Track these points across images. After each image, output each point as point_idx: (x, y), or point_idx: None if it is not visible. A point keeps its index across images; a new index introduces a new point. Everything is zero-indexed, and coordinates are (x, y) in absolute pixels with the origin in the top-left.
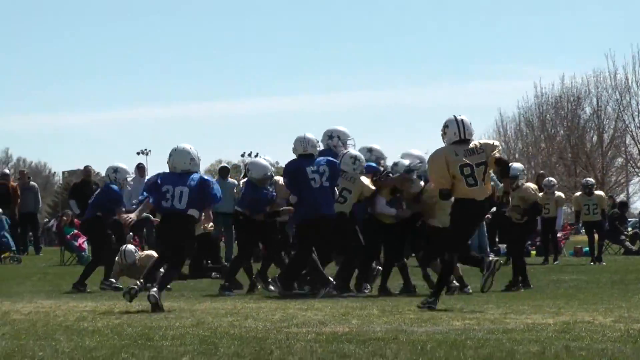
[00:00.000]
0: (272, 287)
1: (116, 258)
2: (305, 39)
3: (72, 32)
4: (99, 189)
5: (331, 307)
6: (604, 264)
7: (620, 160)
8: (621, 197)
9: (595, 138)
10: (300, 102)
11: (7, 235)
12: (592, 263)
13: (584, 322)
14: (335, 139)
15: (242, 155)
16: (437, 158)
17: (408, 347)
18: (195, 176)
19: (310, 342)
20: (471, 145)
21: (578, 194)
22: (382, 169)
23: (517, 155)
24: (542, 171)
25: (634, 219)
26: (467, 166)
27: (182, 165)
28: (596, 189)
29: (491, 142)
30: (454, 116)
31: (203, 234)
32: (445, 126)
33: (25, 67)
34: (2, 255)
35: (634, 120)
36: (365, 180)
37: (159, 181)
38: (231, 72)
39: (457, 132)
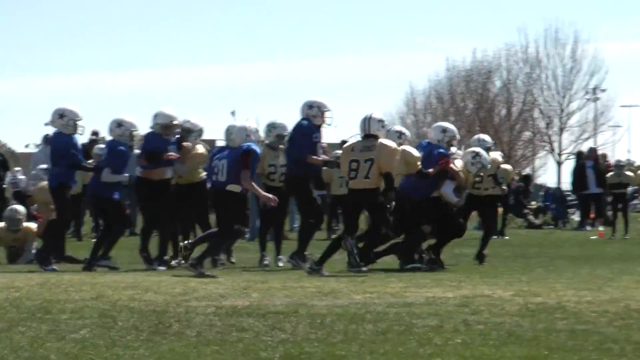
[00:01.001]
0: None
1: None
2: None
3: None
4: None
5: (232, 281)
6: (507, 237)
7: (527, 134)
8: (527, 171)
9: (504, 112)
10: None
11: None
12: (494, 237)
13: (484, 296)
14: (315, 109)
15: None
16: None
17: (307, 321)
18: None
19: (209, 316)
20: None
21: None
22: (452, 150)
23: (425, 129)
24: None
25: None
26: None
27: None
28: (503, 163)
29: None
30: None
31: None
32: None
33: None
34: None
35: (542, 93)
36: (414, 152)
37: None
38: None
39: None
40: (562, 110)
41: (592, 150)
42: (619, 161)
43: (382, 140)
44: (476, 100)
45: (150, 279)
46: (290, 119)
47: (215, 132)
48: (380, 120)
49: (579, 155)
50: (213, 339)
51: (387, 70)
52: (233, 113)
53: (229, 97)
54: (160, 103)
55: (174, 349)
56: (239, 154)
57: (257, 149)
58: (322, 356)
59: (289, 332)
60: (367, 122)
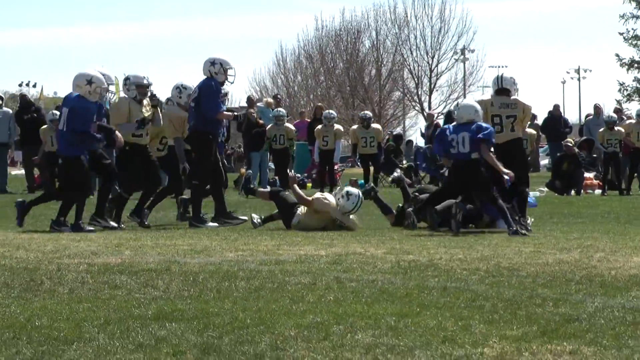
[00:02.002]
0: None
1: None
2: None
3: None
4: None
5: (104, 239)
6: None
7: (397, 93)
8: (398, 130)
9: (373, 72)
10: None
11: None
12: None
13: (356, 254)
14: (217, 66)
15: (20, 85)
16: None
17: (180, 278)
18: None
19: (81, 273)
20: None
21: (355, 126)
22: None
23: (296, 88)
24: (320, 104)
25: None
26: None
27: None
28: (373, 122)
29: None
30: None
31: None
32: None
33: None
34: None
35: (411, 54)
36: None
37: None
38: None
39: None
40: (431, 71)
41: None
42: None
43: None
44: (346, 60)
45: (22, 236)
46: (161, 78)
47: None
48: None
49: (449, 115)
50: (85, 296)
51: (257, 30)
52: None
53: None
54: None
55: (46, 306)
56: None
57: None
58: (194, 313)
59: (161, 289)
60: None
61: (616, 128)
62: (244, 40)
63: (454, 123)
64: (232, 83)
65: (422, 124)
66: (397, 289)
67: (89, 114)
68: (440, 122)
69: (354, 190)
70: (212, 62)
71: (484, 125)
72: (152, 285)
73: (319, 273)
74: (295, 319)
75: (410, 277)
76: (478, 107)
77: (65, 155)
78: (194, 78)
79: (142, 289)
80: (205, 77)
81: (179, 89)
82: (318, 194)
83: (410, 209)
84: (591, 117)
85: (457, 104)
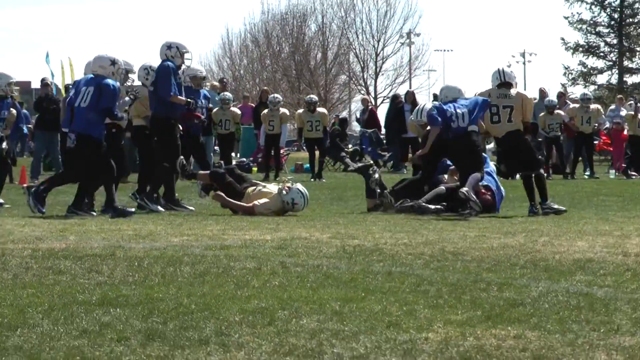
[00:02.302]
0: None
1: None
2: None
3: None
4: None
5: (49, 224)
6: (324, 180)
7: (343, 77)
8: (343, 114)
9: (319, 55)
10: None
11: None
12: (312, 180)
13: (301, 239)
14: (174, 49)
15: None
16: None
17: (125, 263)
18: None
19: (26, 259)
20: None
21: (301, 110)
22: None
23: (242, 72)
24: (266, 87)
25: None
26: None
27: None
28: (319, 106)
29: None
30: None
31: None
32: None
33: None
34: None
35: (357, 38)
36: None
37: None
38: None
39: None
40: (377, 54)
41: (410, 94)
42: None
43: None
44: (292, 44)
45: None
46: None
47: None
48: None
49: (394, 99)
50: (29, 281)
51: (203, 13)
52: (47, 55)
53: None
54: None
55: None
56: None
57: None
58: (139, 299)
59: (106, 274)
60: None
61: (556, 112)
62: (190, 23)
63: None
64: (188, 67)
65: None
66: (342, 273)
67: (116, 93)
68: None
69: (296, 193)
70: (169, 46)
71: (479, 99)
72: (96, 271)
73: (264, 258)
74: (240, 304)
75: (355, 262)
76: (461, 88)
77: (84, 134)
78: (139, 62)
79: (87, 274)
80: (161, 60)
81: (147, 70)
82: (257, 201)
83: (386, 191)
84: (536, 100)
85: (442, 89)
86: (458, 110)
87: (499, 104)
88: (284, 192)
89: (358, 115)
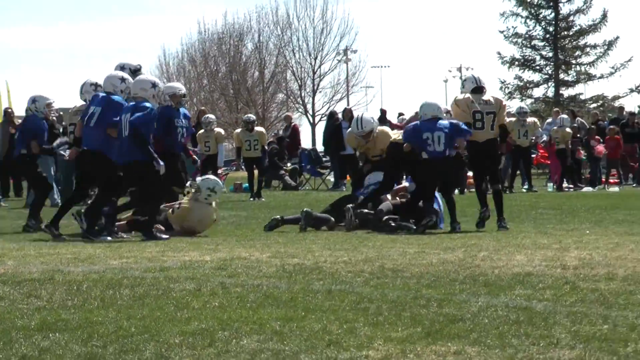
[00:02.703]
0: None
1: None
2: None
3: None
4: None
5: None
6: (264, 199)
7: (281, 95)
8: (281, 133)
9: (256, 74)
10: None
11: None
12: (251, 199)
13: (241, 259)
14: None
15: None
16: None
17: (64, 287)
18: None
19: None
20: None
21: (239, 130)
22: None
23: None
24: (203, 107)
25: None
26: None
27: None
28: (257, 125)
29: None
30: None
31: None
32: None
33: None
34: None
35: (294, 56)
36: None
37: None
38: None
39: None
40: (314, 72)
41: (348, 111)
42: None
43: None
44: (229, 63)
45: None
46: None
47: None
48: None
49: (331, 116)
50: None
51: (139, 34)
52: None
53: None
54: None
55: None
56: None
57: None
58: (79, 323)
59: (45, 299)
60: None
61: None
62: (127, 45)
63: (419, 120)
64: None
65: (305, 126)
66: (282, 293)
67: (154, 120)
68: (324, 123)
69: (204, 184)
70: (122, 67)
71: (461, 125)
72: (35, 295)
73: (203, 279)
74: (180, 326)
75: (295, 281)
76: (440, 104)
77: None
78: (75, 86)
79: (26, 299)
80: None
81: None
82: (187, 222)
83: (349, 206)
84: None
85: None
86: (435, 133)
87: (482, 110)
88: (197, 194)
89: (281, 133)
